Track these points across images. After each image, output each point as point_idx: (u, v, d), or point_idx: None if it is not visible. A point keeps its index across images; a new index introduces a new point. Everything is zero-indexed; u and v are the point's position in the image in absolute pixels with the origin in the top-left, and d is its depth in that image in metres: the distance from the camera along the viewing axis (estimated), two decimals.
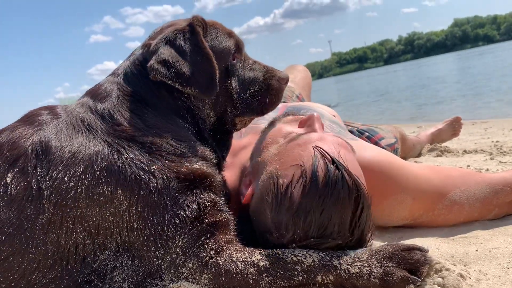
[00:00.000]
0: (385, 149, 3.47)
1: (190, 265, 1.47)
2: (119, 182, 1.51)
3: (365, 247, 1.57)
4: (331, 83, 70.14)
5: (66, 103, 1.93)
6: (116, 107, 1.69)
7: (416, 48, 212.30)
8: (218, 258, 1.47)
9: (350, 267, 1.44)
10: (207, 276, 1.46)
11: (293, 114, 2.09)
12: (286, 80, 1.94)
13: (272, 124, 2.04)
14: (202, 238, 1.51)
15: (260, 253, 1.50)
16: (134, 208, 1.50)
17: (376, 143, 3.40)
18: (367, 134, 3.48)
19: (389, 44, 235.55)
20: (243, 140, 2.31)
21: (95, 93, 1.79)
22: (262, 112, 1.94)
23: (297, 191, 1.52)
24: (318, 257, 1.47)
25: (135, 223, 1.50)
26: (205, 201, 1.56)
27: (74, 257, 1.54)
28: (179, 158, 1.61)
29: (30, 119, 1.74)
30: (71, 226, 1.53)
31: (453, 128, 4.48)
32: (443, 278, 1.43)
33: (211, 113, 1.85)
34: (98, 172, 1.53)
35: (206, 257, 1.48)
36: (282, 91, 1.94)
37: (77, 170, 1.54)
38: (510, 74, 15.50)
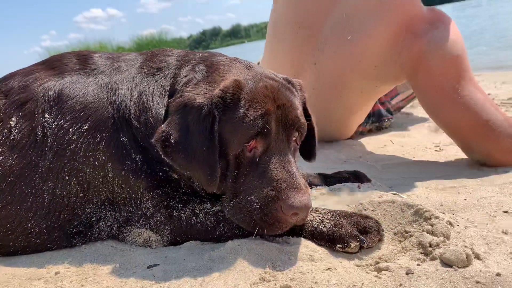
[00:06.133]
0: (397, 104, 3.68)
1: (158, 216, 1.58)
2: (112, 157, 1.58)
3: None
4: None
5: (53, 53, 1.88)
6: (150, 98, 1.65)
7: None
8: (182, 212, 1.57)
9: None
10: (169, 228, 1.57)
11: None
12: (296, 209, 1.38)
13: None
14: (172, 193, 1.60)
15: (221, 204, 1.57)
16: (117, 180, 1.58)
17: (391, 99, 3.66)
18: None
19: None
20: None
21: (149, 68, 1.73)
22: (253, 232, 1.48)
23: None
24: None
25: (115, 186, 1.59)
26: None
27: (66, 208, 1.59)
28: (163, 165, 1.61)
29: (52, 64, 1.74)
30: (67, 178, 1.57)
31: None
32: (432, 225, 1.46)
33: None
34: (99, 139, 1.57)
35: (173, 210, 1.58)
36: (284, 222, 1.42)
37: (83, 127, 1.57)
38: (506, 27, 15.27)
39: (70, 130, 1.56)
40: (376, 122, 3.52)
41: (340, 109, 2.94)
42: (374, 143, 3.20)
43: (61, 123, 1.57)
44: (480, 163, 2.35)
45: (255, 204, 1.42)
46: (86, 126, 1.57)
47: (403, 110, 4.18)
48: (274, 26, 3.15)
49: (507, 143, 2.22)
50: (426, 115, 3.92)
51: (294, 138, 1.57)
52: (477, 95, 2.27)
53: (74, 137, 1.56)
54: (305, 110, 1.70)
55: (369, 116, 3.46)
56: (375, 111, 3.51)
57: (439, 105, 2.38)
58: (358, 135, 3.48)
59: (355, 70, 2.68)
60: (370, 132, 3.58)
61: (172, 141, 1.47)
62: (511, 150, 2.24)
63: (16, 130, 1.57)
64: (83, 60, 1.74)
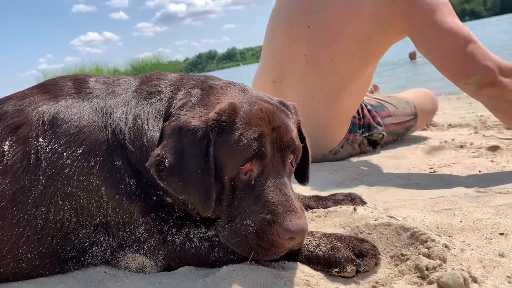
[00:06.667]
0: (389, 126, 3.66)
1: (151, 241, 1.55)
2: (106, 181, 1.56)
3: None
4: None
5: (49, 76, 1.89)
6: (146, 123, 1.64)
7: None
8: (176, 237, 1.55)
9: None
10: (162, 253, 1.54)
11: None
12: (292, 233, 1.36)
13: None
14: (166, 218, 1.58)
15: (215, 229, 1.55)
16: (110, 204, 1.56)
17: (382, 118, 3.65)
18: (369, 107, 3.63)
19: None
20: None
21: (145, 92, 1.72)
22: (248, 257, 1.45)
23: None
24: None
25: (109, 211, 1.57)
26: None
27: (59, 233, 1.56)
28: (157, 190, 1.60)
29: (47, 88, 1.73)
30: (60, 203, 1.55)
31: None
32: (428, 248, 1.46)
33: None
34: (93, 163, 1.56)
35: (167, 235, 1.55)
36: (280, 246, 1.39)
37: (77, 151, 1.56)
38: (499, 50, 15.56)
39: (64, 154, 1.55)
40: (366, 132, 3.53)
41: (333, 79, 3.13)
42: (369, 165, 3.21)
43: (55, 147, 1.56)
44: (474, 89, 2.67)
45: (250, 228, 1.40)
46: (80, 150, 1.56)
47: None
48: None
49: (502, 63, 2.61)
50: (419, 136, 3.97)
51: (289, 161, 1.56)
52: (464, 26, 2.72)
53: (68, 161, 1.55)
54: (299, 132, 1.71)
55: (359, 127, 3.49)
56: (365, 122, 3.54)
57: (435, 36, 2.74)
58: (349, 144, 3.45)
59: (351, 20, 3.01)
60: (361, 148, 3.56)
61: (166, 164, 1.45)
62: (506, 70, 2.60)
63: (9, 154, 1.56)
64: (78, 84, 1.74)
